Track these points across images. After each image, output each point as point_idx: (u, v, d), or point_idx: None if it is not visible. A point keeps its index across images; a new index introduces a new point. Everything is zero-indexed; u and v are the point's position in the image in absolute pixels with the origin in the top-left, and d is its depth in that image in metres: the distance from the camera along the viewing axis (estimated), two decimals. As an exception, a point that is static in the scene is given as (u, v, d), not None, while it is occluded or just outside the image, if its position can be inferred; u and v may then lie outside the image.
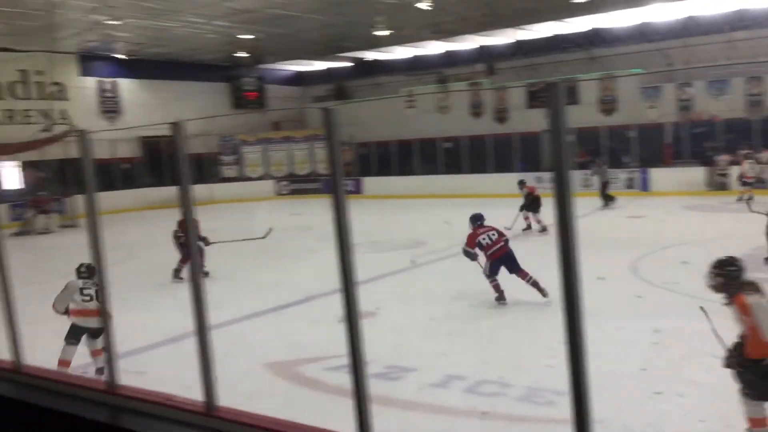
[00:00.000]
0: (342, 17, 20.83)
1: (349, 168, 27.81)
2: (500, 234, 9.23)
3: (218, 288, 10.26)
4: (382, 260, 12.41)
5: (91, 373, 5.15)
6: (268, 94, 31.88)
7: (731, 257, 4.71)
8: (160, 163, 26.62)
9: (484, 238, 9.11)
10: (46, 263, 14.43)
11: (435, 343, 7.45)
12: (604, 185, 18.61)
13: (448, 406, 5.75)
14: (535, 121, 23.00)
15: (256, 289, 10.83)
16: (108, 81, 26.97)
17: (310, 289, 10.11)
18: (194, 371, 4.13)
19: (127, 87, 27.46)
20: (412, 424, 5.49)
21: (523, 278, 8.89)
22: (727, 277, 4.58)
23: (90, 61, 26.12)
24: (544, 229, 14.23)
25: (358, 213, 18.93)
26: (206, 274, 11.10)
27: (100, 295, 4.29)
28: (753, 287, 4.55)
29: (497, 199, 21.48)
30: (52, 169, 24.56)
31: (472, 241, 9.17)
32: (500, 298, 8.90)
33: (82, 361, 6.42)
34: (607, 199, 18.34)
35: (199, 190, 24.64)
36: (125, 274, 12.48)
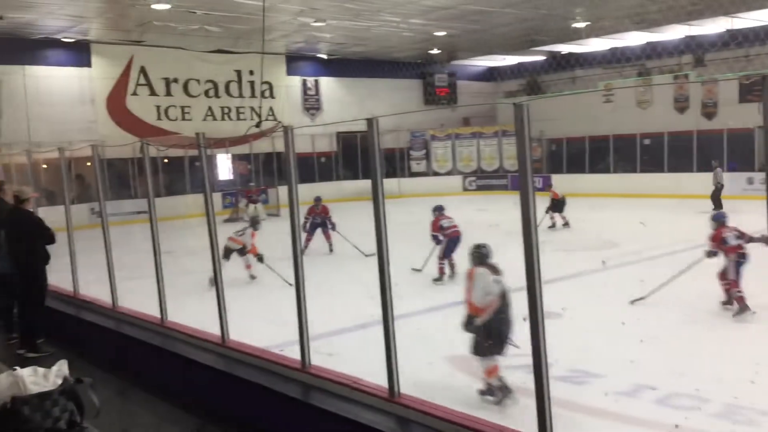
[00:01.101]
0: (538, 10, 20.39)
1: (538, 164, 27.23)
2: (455, 223, 11.55)
3: (404, 279, 10.53)
4: (571, 260, 12.03)
5: (286, 352, 5.53)
6: (459, 90, 32.06)
7: (480, 243, 6.52)
8: (355, 157, 27.84)
9: (444, 222, 11.48)
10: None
11: (624, 349, 7.09)
12: (718, 189, 18.09)
13: (637, 416, 5.45)
14: (749, 116, 20.97)
15: (441, 282, 10.97)
16: (310, 79, 28.67)
17: (495, 286, 10.03)
18: (379, 357, 4.29)
19: (326, 85, 28.99)
20: (596, 432, 5.28)
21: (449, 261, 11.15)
22: (470, 255, 6.45)
23: (295, 61, 27.94)
24: (566, 224, 16.60)
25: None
26: (331, 250, 14.43)
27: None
28: (490, 266, 6.19)
29: (703, 200, 19.95)
30: (258, 162, 26.68)
31: (436, 226, 11.42)
32: (439, 279, 11.05)
33: (279, 341, 6.88)
34: (717, 204, 17.52)
35: (388, 183, 25.45)
36: (318, 260, 13.25)
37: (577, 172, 26.48)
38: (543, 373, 3.26)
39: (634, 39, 26.20)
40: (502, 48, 27.71)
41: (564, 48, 28.24)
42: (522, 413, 3.58)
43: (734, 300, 8.34)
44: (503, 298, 5.90)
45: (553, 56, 29.42)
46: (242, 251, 11.80)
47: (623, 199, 21.96)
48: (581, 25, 22.36)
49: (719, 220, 9.11)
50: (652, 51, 26.56)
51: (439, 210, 11.78)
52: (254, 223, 12.33)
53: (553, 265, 10.14)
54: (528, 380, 3.39)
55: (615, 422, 5.40)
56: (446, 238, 11.28)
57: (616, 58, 27.68)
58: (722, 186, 18.66)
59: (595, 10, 20.47)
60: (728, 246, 8.57)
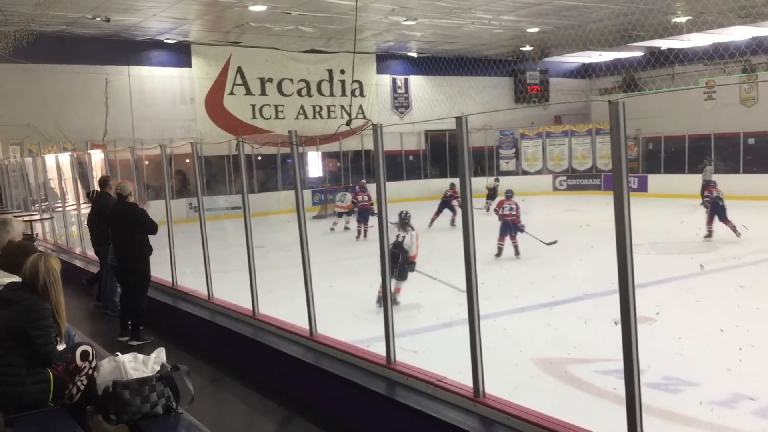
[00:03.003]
0: (636, 5, 19.70)
1: (633, 164, 26.37)
2: (369, 198, 17.12)
3: (491, 279, 10.41)
4: (666, 263, 11.59)
5: (372, 347, 5.59)
6: (551, 88, 31.43)
7: (403, 210, 9.89)
8: (443, 155, 27.76)
9: (360, 197, 17.55)
10: (340, 245, 15.94)
11: (722, 356, 6.76)
12: (705, 184, 18.66)
13: (733, 427, 5.20)
14: None
15: (529, 283, 10.81)
16: (400, 78, 28.80)
17: (585, 287, 9.81)
18: (465, 357, 4.27)
19: (416, 83, 29.04)
20: (691, 443, 5.08)
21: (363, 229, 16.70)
22: (403, 221, 9.73)
23: (385, 60, 28.15)
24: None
25: (641, 212, 17.80)
26: (453, 225, 17.63)
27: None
28: (402, 226, 9.62)
29: (811, 203, 18.77)
30: (348, 159, 27.04)
31: (354, 197, 17.84)
32: (359, 236, 16.87)
33: (365, 336, 6.98)
34: (703, 198, 17.77)
35: (477, 182, 25.18)
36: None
37: (675, 173, 25.45)
38: (634, 379, 3.17)
39: (739, 33, 24.91)
40: (597, 44, 26.87)
41: (663, 43, 27.15)
42: (610, 419, 3.48)
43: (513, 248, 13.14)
44: (394, 247, 9.25)
45: (652, 52, 28.35)
46: (349, 213, 18.26)
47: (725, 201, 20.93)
48: (682, 19, 21.46)
49: (507, 195, 13.92)
50: (758, 46, 25.12)
51: (361, 188, 18.14)
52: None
53: (649, 268, 9.81)
54: (618, 386, 3.30)
55: (711, 433, 5.17)
56: (359, 209, 17.27)
57: (718, 54, 26.36)
58: (708, 182, 19.35)
59: (696, 3, 19.61)
60: (503, 213, 13.19)
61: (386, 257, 4.88)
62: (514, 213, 13.23)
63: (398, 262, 9.18)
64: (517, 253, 13.14)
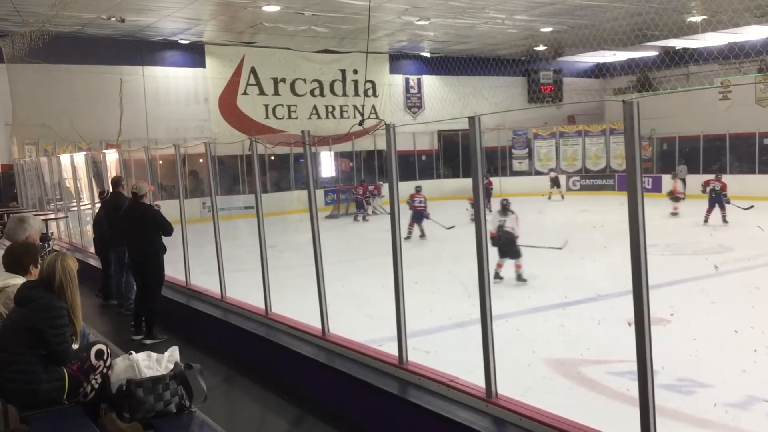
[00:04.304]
0: (651, 4, 19.57)
1: (647, 164, 26.20)
2: (364, 188, 22.17)
3: (505, 279, 10.42)
4: (680, 264, 11.53)
5: (384, 347, 5.59)
6: (565, 87, 31.29)
7: (503, 199, 11.38)
8: (456, 155, 27.70)
9: (357, 191, 21.69)
10: (352, 245, 15.96)
11: (737, 358, 6.71)
12: (683, 182, 20.46)
13: (747, 429, 5.16)
14: None
15: (542, 283, 10.77)
16: (413, 78, 28.78)
17: (599, 288, 9.77)
18: (477, 357, 4.26)
19: (428, 83, 29.01)
20: (705, 445, 5.04)
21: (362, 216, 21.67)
22: (504, 207, 11.04)
23: (398, 59, 28.14)
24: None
25: (655, 212, 17.74)
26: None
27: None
28: (503, 212, 10.95)
29: (828, 204, 18.57)
30: (360, 159, 27.05)
31: (355, 189, 22.06)
32: (356, 218, 21.68)
33: (377, 336, 6.98)
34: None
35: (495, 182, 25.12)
36: (418, 258, 13.28)
37: (690, 173, 25.23)
38: (648, 380, 3.15)
39: (755, 33, 24.70)
40: (611, 43, 26.69)
41: (678, 43, 26.96)
42: (623, 421, 3.47)
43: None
44: (498, 230, 10.75)
45: (666, 51, 28.15)
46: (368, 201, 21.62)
47: (740, 202, 20.76)
48: (697, 18, 21.32)
49: (417, 189, 16.36)
50: (775, 45, 24.98)
51: (360, 181, 23.02)
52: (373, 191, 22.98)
53: (663, 269, 9.75)
54: (632, 387, 3.29)
55: (725, 436, 5.14)
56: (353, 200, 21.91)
57: (734, 54, 26.14)
58: (684, 180, 20.99)
59: (712, 2, 19.46)
60: (414, 205, 15.67)
61: (398, 254, 4.88)
62: (423, 204, 15.90)
63: (504, 243, 10.73)
64: (422, 235, 15.93)
